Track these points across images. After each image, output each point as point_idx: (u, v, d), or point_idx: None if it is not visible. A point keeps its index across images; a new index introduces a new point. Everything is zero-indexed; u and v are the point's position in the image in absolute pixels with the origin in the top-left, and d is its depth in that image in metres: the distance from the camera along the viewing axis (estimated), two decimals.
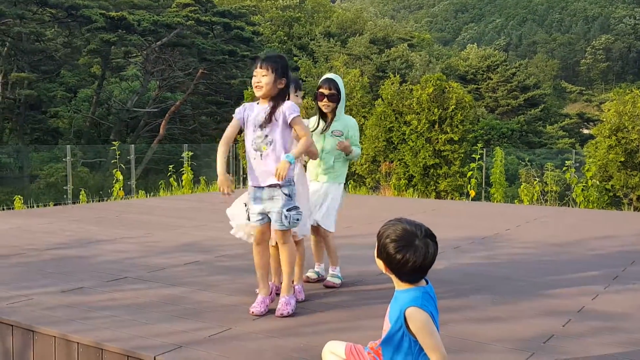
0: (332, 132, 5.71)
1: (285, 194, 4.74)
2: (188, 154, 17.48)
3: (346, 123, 5.77)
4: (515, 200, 15.33)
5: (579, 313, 5.01)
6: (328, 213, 5.68)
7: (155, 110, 37.89)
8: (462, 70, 53.24)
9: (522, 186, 15.33)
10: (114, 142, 16.70)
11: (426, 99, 16.59)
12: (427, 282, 3.09)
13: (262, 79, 4.75)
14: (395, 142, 17.18)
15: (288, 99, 4.89)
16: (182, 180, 16.62)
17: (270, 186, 4.76)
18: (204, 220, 9.84)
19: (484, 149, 17.45)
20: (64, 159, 21.65)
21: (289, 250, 4.86)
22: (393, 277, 3.06)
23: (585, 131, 49.90)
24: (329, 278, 5.76)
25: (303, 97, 5.12)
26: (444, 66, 48.72)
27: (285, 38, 50.57)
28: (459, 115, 16.36)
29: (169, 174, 16.79)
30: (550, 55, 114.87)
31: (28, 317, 4.65)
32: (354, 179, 17.66)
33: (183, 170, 16.84)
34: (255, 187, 4.85)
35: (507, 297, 5.46)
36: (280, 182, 4.69)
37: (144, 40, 36.28)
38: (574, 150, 22.61)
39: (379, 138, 17.25)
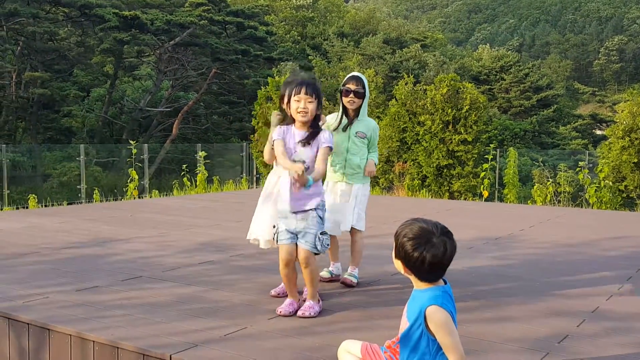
0: (356, 133, 5.72)
1: (319, 217, 4.78)
2: (202, 154, 17.54)
3: (369, 125, 5.80)
4: (529, 201, 15.29)
5: (593, 313, 4.99)
6: (359, 215, 5.74)
7: (168, 109, 38.00)
8: (475, 70, 53.06)
9: (535, 187, 15.29)
10: (131, 142, 16.76)
11: (440, 99, 16.58)
12: (445, 282, 3.10)
13: (308, 105, 4.76)
14: (409, 143, 17.17)
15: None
16: (195, 180, 16.67)
17: (304, 211, 4.78)
18: (218, 220, 9.86)
19: (497, 150, 17.41)
20: (77, 158, 21.77)
21: (312, 274, 4.85)
22: (412, 277, 3.07)
23: (598, 132, 49.70)
24: (346, 276, 5.77)
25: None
26: (457, 66, 48.57)
27: (298, 38, 50.60)
28: (473, 115, 16.34)
29: (182, 173, 16.85)
30: (563, 55, 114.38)
31: (44, 316, 4.67)
32: None
33: (197, 170, 16.89)
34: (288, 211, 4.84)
35: (522, 297, 5.45)
36: (314, 206, 4.75)
37: (157, 40, 36.42)
38: (587, 151, 22.53)
39: (393, 138, 17.25)
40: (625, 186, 14.29)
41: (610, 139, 15.05)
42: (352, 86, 5.67)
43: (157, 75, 38.84)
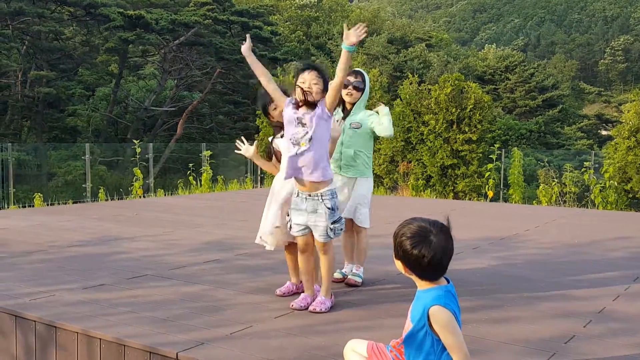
0: (350, 124, 5.70)
1: (329, 208, 4.75)
2: (207, 153, 17.55)
3: (364, 115, 5.75)
4: (534, 201, 15.27)
5: (599, 314, 4.99)
6: (361, 209, 5.71)
7: (173, 109, 38.00)
8: (480, 70, 52.98)
9: (540, 187, 15.28)
10: (134, 141, 16.78)
11: (444, 99, 16.57)
12: (448, 281, 3.10)
13: (313, 85, 4.70)
14: (414, 142, 17.17)
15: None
16: (200, 179, 16.69)
17: (313, 198, 4.76)
18: (223, 219, 9.88)
19: (502, 150, 17.39)
20: (82, 157, 21.80)
21: (330, 261, 4.89)
22: (413, 277, 3.07)
23: (604, 132, 49.58)
24: (350, 276, 5.77)
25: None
26: (461, 66, 48.51)
27: (303, 38, 50.58)
28: (478, 115, 16.32)
29: (188, 172, 16.86)
30: (568, 55, 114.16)
31: (50, 313, 4.69)
32: None
33: (202, 169, 16.90)
34: (297, 197, 4.84)
35: (528, 297, 5.44)
36: (323, 195, 4.73)
37: (161, 39, 36.42)
38: (592, 152, 22.48)
39: (397, 138, 17.24)
40: (631, 187, 14.26)
41: (616, 139, 15.01)
42: (351, 78, 5.66)
43: (162, 74, 38.84)
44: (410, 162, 17.16)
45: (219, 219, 9.95)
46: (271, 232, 5.18)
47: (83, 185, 20.03)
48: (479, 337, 4.33)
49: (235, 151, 4.99)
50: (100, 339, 4.27)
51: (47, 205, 15.40)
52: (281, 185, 5.15)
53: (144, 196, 15.72)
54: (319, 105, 4.74)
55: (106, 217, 9.93)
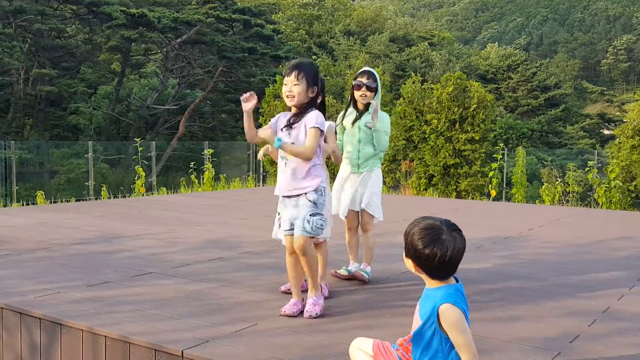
0: (365, 123, 5.70)
1: (310, 201, 4.67)
2: (209, 152, 17.53)
3: (379, 117, 5.74)
4: (537, 201, 15.26)
5: (604, 313, 4.98)
6: (372, 200, 5.73)
7: (175, 107, 38.02)
8: (482, 69, 52.98)
9: (543, 186, 15.26)
10: (136, 139, 16.79)
11: (446, 97, 16.55)
12: (457, 280, 3.10)
13: (293, 88, 4.62)
14: (416, 141, 17.15)
15: (318, 108, 4.81)
16: (202, 178, 16.69)
17: (298, 194, 4.72)
18: (226, 217, 9.88)
19: (505, 149, 17.38)
20: (85, 155, 21.82)
21: (309, 262, 4.74)
22: (423, 275, 3.07)
23: (606, 132, 49.55)
24: (359, 270, 5.76)
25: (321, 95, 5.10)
26: (463, 65, 48.49)
27: (306, 36, 50.58)
28: (481, 114, 16.30)
29: (190, 170, 16.87)
30: (571, 54, 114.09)
31: (55, 311, 4.69)
32: None
33: (204, 168, 16.91)
34: (282, 196, 4.81)
35: (532, 296, 5.44)
36: (305, 190, 4.68)
37: (164, 38, 36.43)
38: (596, 151, 22.47)
39: (399, 137, 17.23)
40: (635, 186, 14.24)
41: (620, 139, 14.99)
42: (364, 80, 5.66)
43: (164, 73, 38.85)
44: (412, 161, 17.15)
45: (222, 217, 9.95)
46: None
47: (86, 183, 20.05)
48: (483, 336, 4.33)
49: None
50: (105, 336, 4.27)
51: (50, 203, 15.40)
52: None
53: (148, 194, 15.72)
54: (311, 114, 4.69)
55: (109, 215, 9.93)
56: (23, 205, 16.13)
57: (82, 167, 27.31)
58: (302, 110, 4.70)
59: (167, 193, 15.98)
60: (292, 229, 4.74)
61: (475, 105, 16.30)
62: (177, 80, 39.18)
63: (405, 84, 18.31)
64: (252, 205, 11.44)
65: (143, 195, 15.26)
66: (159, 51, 39.24)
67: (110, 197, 15.18)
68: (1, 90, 34.90)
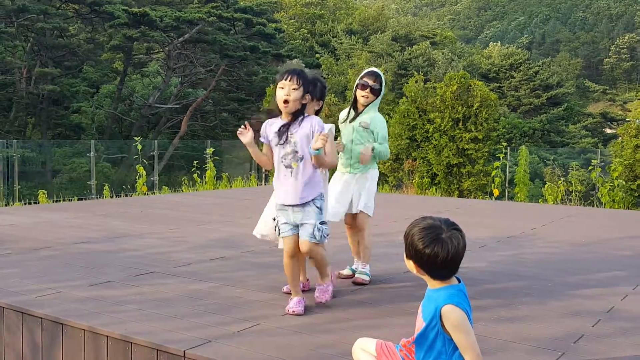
0: (360, 123, 5.69)
1: (317, 207, 4.70)
2: (211, 151, 17.52)
3: (373, 117, 5.72)
4: (539, 200, 15.23)
5: (608, 313, 4.96)
6: (367, 199, 5.71)
7: (177, 106, 38.00)
8: (485, 68, 52.88)
9: (546, 185, 15.23)
10: (135, 138, 16.77)
11: (450, 96, 16.52)
12: (459, 281, 3.07)
13: (291, 92, 4.61)
14: (419, 140, 17.13)
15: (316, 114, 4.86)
16: (204, 177, 16.67)
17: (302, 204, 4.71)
18: (229, 216, 9.86)
19: (507, 148, 17.35)
20: (87, 154, 21.81)
21: (318, 258, 4.83)
22: (425, 277, 3.05)
23: (609, 131, 49.47)
24: (357, 274, 5.75)
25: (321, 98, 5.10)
26: (466, 64, 48.39)
27: (308, 35, 50.53)
28: (484, 113, 16.27)
29: (192, 169, 16.85)
30: (573, 53, 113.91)
31: (57, 310, 4.67)
32: None
33: (206, 167, 16.89)
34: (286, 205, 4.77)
35: (536, 296, 5.42)
36: (313, 197, 4.68)
37: (166, 37, 36.41)
38: (599, 150, 22.44)
39: (402, 136, 17.21)
40: (638, 185, 14.20)
41: (623, 138, 14.95)
42: (369, 81, 5.64)
43: (166, 72, 38.83)
44: (415, 160, 17.13)
45: (224, 216, 9.93)
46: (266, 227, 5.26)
47: (88, 182, 20.04)
48: (487, 336, 4.31)
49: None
50: (107, 336, 4.25)
51: (52, 202, 15.40)
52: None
53: (149, 193, 15.71)
54: (315, 121, 4.70)
55: (112, 214, 9.92)
56: (25, 204, 16.14)
57: (84, 166, 27.32)
58: (294, 117, 4.71)
59: (169, 192, 15.97)
60: (293, 230, 4.74)
61: (478, 105, 16.26)
62: (179, 79, 39.16)
63: (407, 83, 18.28)
64: (255, 204, 11.41)
65: (145, 194, 15.25)
66: (161, 50, 39.22)
67: (112, 196, 15.16)
68: (4, 89, 34.90)
